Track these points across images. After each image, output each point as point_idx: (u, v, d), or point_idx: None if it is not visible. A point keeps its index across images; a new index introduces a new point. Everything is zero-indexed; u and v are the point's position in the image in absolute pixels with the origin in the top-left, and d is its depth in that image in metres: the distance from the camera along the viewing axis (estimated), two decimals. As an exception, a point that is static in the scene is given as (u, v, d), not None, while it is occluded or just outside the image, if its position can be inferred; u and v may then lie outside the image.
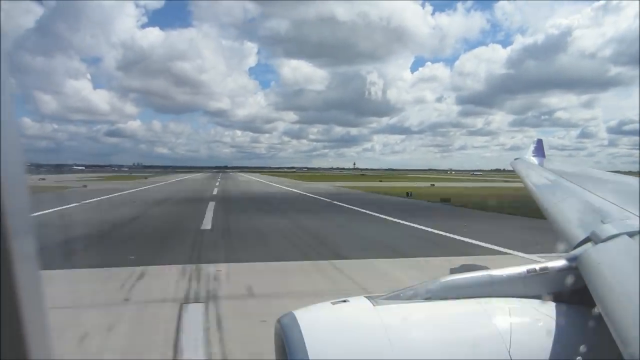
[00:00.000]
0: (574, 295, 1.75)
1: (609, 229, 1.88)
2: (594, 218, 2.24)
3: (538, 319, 1.65)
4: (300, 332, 1.53)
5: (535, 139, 8.14)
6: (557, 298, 1.77)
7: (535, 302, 1.73)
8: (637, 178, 3.62)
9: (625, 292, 1.50)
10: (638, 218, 2.01)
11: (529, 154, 7.50)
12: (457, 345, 1.54)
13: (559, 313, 1.67)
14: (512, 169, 6.45)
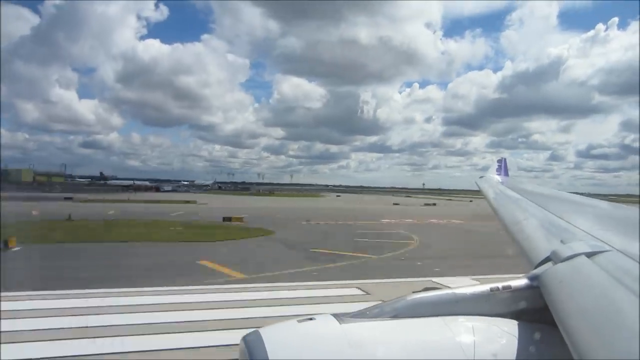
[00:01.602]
0: (536, 313, 1.79)
1: (568, 249, 1.95)
2: (554, 238, 2.32)
3: (501, 337, 1.68)
4: (264, 350, 1.50)
5: (500, 158, 8.41)
6: (520, 316, 1.81)
7: (498, 320, 1.76)
8: (596, 200, 3.78)
9: (583, 311, 1.55)
10: (595, 239, 2.09)
11: (493, 172, 7.73)
12: None
13: (521, 331, 1.71)
14: (478, 188, 6.65)
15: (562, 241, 2.18)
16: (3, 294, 10.50)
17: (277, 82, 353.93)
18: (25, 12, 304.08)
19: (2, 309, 9.08)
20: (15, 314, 9.37)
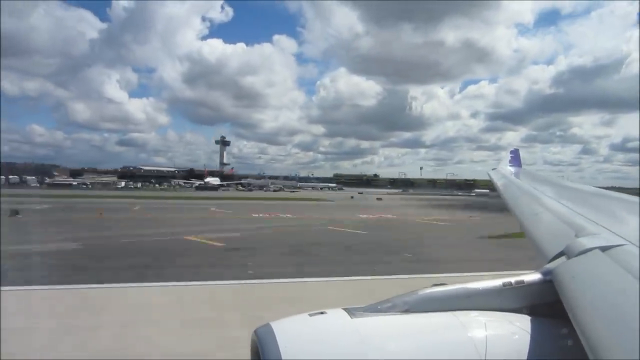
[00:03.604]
0: (549, 308, 1.78)
1: (582, 244, 1.92)
2: (568, 232, 2.28)
3: (513, 332, 1.67)
4: (276, 343, 1.51)
5: (513, 149, 8.27)
6: (532, 311, 1.79)
7: (510, 315, 1.75)
8: (611, 192, 3.71)
9: (597, 306, 1.53)
10: (610, 232, 2.06)
11: (506, 163, 7.60)
12: (433, 358, 1.54)
13: (533, 326, 1.69)
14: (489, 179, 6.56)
15: (576, 235, 2.15)
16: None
17: (335, 79, 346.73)
18: (88, 15, 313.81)
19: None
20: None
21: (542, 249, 2.36)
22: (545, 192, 3.96)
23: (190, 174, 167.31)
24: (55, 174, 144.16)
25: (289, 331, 1.60)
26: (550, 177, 6.19)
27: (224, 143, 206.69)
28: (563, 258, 1.92)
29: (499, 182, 5.56)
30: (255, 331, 1.62)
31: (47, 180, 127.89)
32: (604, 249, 1.83)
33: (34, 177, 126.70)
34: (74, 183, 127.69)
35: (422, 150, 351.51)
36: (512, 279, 1.83)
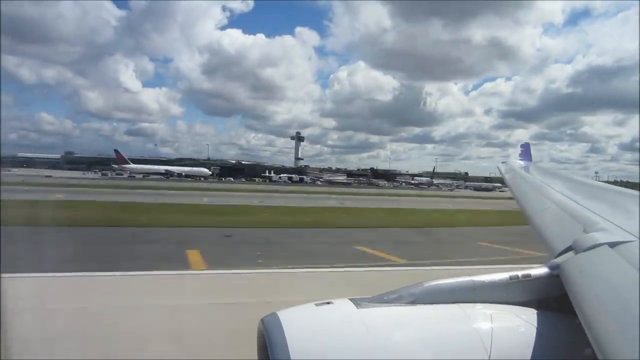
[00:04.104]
0: (555, 302, 1.78)
1: (591, 239, 1.90)
2: (577, 227, 2.27)
3: (519, 325, 1.67)
4: (282, 332, 1.52)
5: (523, 143, 8.19)
6: (539, 305, 1.79)
7: (516, 309, 1.75)
8: (621, 188, 3.67)
9: (604, 301, 1.53)
10: (619, 228, 2.04)
11: (516, 157, 7.54)
12: (438, 349, 1.55)
13: (539, 320, 1.70)
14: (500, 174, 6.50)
15: (584, 230, 2.14)
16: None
17: (352, 73, 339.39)
18: (106, 2, 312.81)
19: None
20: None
21: (550, 243, 2.35)
22: (554, 187, 3.93)
23: (375, 173, 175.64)
24: (311, 172, 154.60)
25: (295, 321, 1.61)
26: (560, 172, 6.12)
27: (299, 139, 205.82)
28: (571, 253, 1.91)
29: (507, 176, 5.52)
30: (262, 320, 1.63)
31: (305, 177, 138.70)
32: (612, 244, 1.82)
33: (286, 175, 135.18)
34: (337, 180, 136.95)
35: (430, 146, 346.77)
36: (519, 273, 1.83)
